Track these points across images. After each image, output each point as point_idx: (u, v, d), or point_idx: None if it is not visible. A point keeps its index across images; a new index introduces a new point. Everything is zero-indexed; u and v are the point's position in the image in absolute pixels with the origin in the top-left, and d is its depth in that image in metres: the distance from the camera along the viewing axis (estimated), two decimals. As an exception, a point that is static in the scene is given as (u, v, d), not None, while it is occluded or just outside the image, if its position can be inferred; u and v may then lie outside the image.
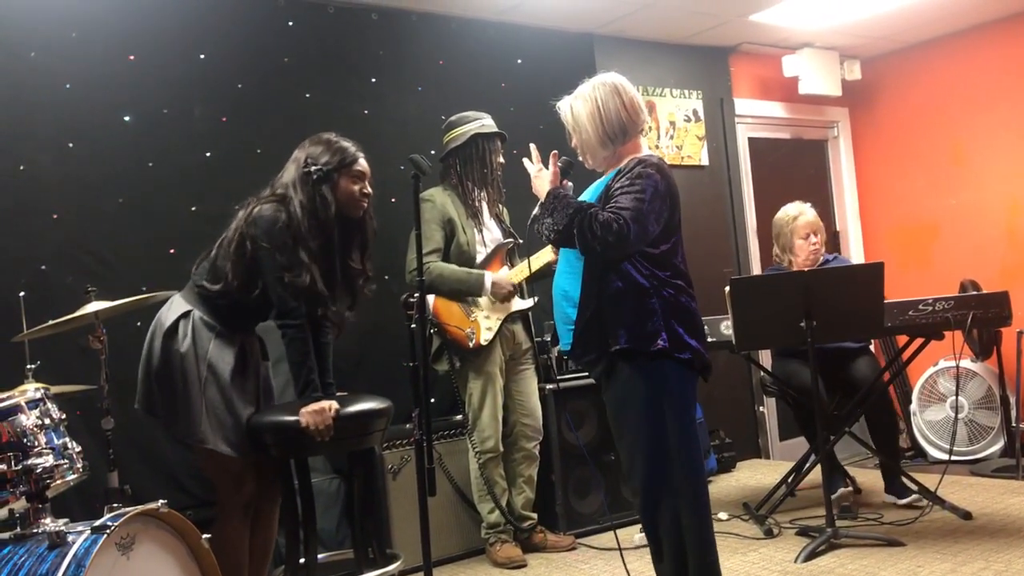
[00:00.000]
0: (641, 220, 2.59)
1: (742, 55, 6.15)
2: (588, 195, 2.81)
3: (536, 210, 2.76)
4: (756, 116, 6.28)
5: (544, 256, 3.83)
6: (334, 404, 2.86)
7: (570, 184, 2.83)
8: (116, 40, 3.90)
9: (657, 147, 5.63)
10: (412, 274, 3.86)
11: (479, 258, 4.02)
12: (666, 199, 2.69)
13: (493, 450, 3.98)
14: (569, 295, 2.76)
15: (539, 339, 4.31)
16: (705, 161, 5.90)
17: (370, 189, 3.08)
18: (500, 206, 4.16)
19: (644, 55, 5.66)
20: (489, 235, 4.08)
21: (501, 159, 4.09)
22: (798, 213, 4.53)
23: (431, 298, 3.97)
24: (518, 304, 4.04)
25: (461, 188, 4.05)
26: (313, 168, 2.96)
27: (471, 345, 3.93)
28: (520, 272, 4.00)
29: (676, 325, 2.66)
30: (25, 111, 3.68)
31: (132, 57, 3.94)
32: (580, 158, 2.89)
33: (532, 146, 2.89)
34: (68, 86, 3.78)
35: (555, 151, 2.80)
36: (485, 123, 4.06)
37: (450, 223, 3.99)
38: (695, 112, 5.88)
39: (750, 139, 6.27)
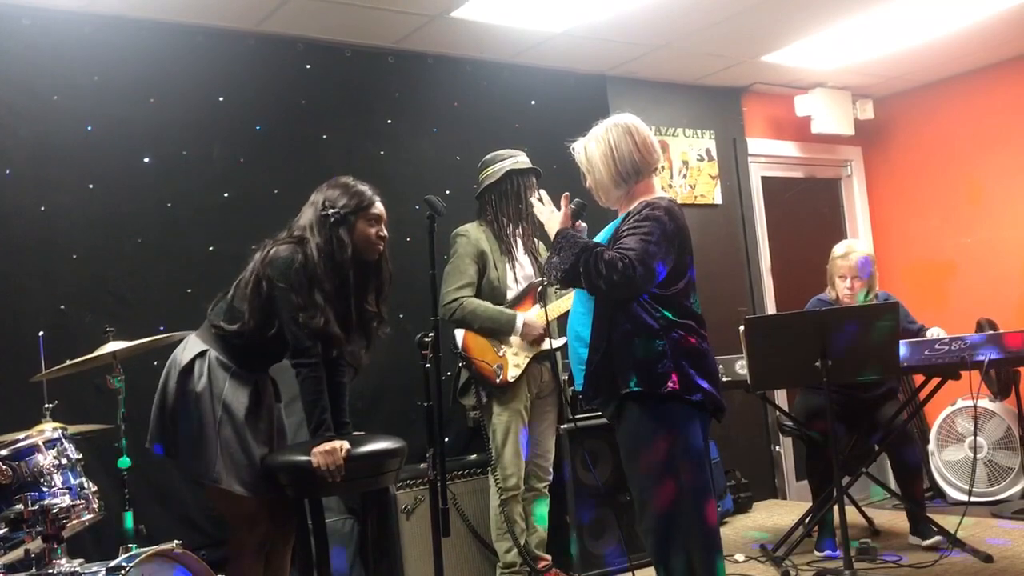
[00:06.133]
0: (647, 261, 2.60)
1: (754, 95, 6.19)
2: (598, 240, 2.83)
3: (549, 254, 2.79)
4: (769, 155, 6.30)
5: (564, 305, 3.85)
6: (345, 444, 2.85)
7: (584, 225, 2.85)
8: (136, 83, 3.98)
9: (670, 186, 5.65)
10: (445, 307, 3.92)
11: (510, 294, 4.03)
12: (674, 240, 2.69)
13: (515, 488, 3.96)
14: (581, 336, 2.77)
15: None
16: (718, 200, 5.92)
17: (386, 232, 3.11)
18: (536, 241, 4.18)
19: (657, 95, 5.70)
20: (522, 272, 4.09)
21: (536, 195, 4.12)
22: (844, 253, 4.48)
23: (461, 331, 3.99)
24: (547, 343, 4.04)
25: (496, 224, 4.07)
26: (330, 211, 2.98)
27: (498, 381, 3.93)
28: (555, 309, 4.00)
29: (687, 367, 2.66)
30: (47, 153, 3.74)
31: (152, 100, 4.01)
32: (595, 197, 2.91)
33: (542, 192, 2.95)
34: (89, 128, 3.85)
35: (566, 193, 2.84)
36: (519, 159, 4.09)
37: (482, 257, 4.01)
38: (708, 151, 5.91)
39: (763, 178, 6.29)
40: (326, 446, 2.84)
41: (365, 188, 3.08)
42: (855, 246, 4.54)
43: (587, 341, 2.74)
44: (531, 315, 3.97)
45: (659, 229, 2.65)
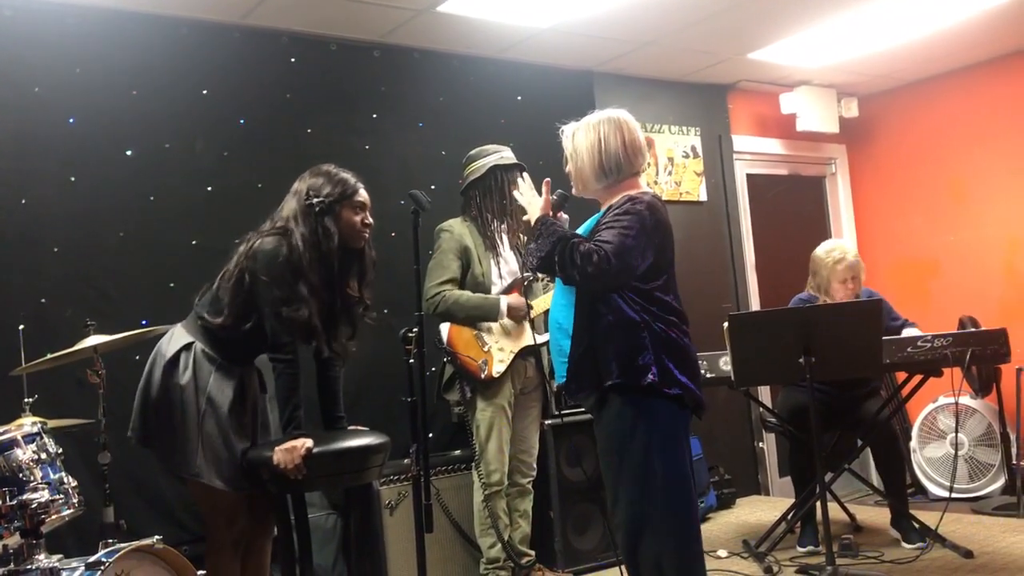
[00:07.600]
0: (623, 255, 2.59)
1: (740, 92, 6.20)
2: (579, 232, 2.82)
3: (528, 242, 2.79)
4: (754, 153, 6.32)
5: (547, 302, 3.84)
6: (308, 442, 2.82)
7: (565, 217, 2.85)
8: (119, 75, 3.94)
9: (656, 183, 5.66)
10: (428, 302, 3.89)
11: (495, 290, 4.01)
12: (654, 235, 2.69)
13: (498, 483, 3.96)
14: (564, 327, 2.77)
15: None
16: (704, 197, 5.93)
17: (371, 219, 3.09)
18: (521, 237, 4.17)
19: (643, 92, 5.71)
20: (507, 267, 4.08)
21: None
22: (841, 257, 4.38)
23: (446, 327, 3.98)
24: (532, 338, 4.03)
25: (480, 220, 4.06)
26: (315, 200, 2.96)
27: (483, 376, 3.92)
28: (542, 303, 3.99)
29: (667, 360, 2.66)
30: (29, 145, 3.71)
31: (135, 92, 3.98)
32: (572, 184, 2.90)
33: (525, 175, 2.93)
34: (71, 121, 3.81)
35: (547, 179, 2.83)
36: (504, 155, 4.08)
37: (466, 252, 4.00)
38: (693, 148, 5.92)
39: (748, 175, 6.30)
40: (288, 444, 2.81)
41: (348, 175, 3.06)
42: (847, 247, 4.49)
43: (569, 332, 2.74)
44: (517, 297, 3.96)
45: (638, 224, 2.65)
